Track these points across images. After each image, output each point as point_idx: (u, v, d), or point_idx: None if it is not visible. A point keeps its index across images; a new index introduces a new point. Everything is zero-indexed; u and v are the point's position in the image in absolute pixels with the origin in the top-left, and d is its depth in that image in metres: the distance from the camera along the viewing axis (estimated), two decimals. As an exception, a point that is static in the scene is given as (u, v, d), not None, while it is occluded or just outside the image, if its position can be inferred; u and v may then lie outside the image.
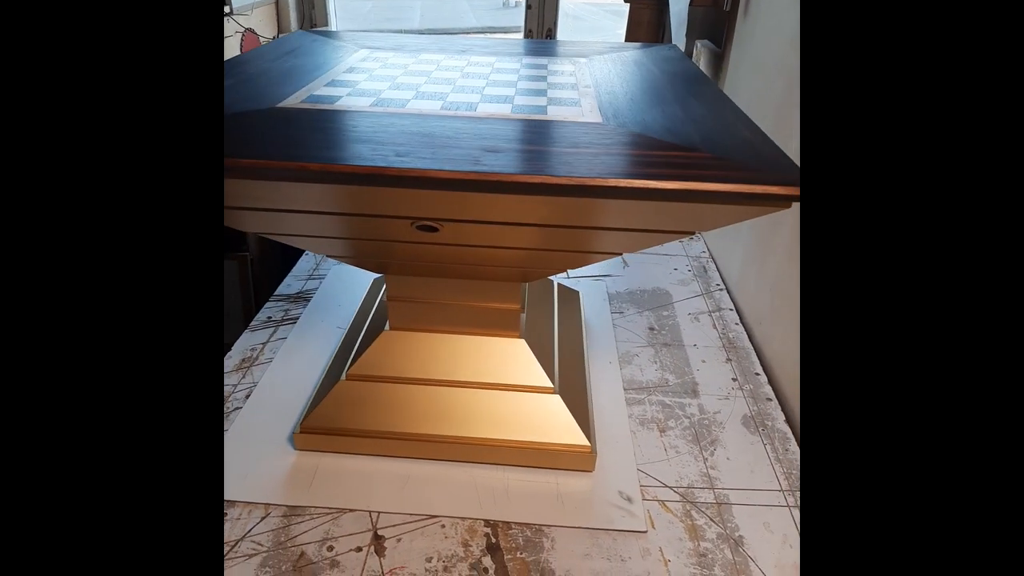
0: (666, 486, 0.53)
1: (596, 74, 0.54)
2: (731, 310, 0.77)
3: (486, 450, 0.53)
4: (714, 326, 0.74)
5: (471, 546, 0.48)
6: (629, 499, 0.52)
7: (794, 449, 0.58)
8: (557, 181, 0.31)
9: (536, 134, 0.38)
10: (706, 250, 0.90)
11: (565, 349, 0.61)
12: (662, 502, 0.52)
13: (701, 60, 0.99)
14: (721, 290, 0.81)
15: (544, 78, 0.52)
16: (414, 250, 0.44)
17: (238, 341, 0.68)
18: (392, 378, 0.55)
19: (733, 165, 0.33)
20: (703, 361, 0.68)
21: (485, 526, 0.49)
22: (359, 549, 0.47)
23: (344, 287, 0.77)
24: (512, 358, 0.55)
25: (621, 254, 0.44)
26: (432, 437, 0.53)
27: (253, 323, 0.71)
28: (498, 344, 0.55)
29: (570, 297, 0.71)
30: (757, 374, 0.67)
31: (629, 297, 0.79)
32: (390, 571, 0.46)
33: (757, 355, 0.70)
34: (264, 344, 0.68)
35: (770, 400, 0.63)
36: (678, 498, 0.52)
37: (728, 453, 0.57)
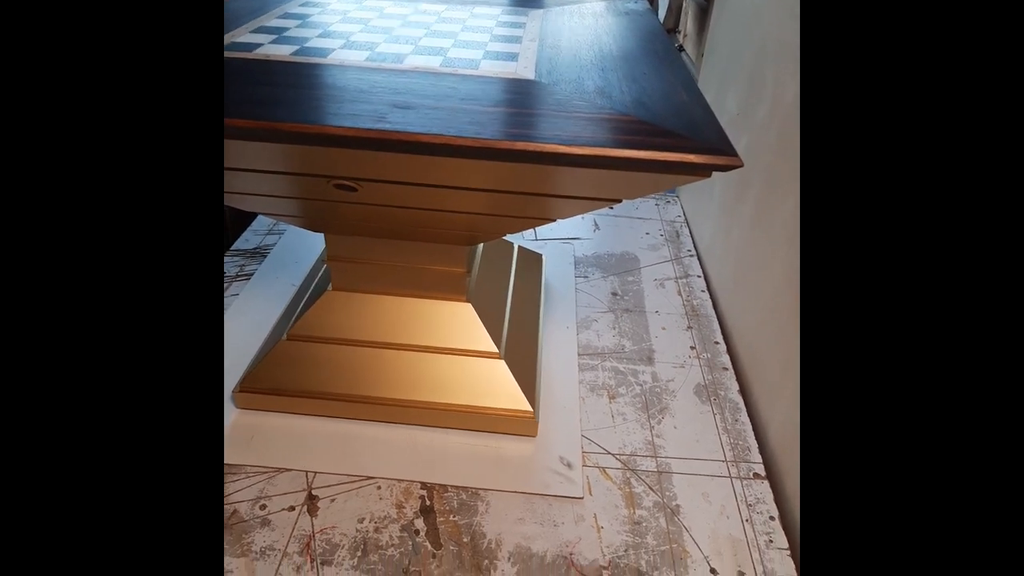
0: (609, 453, 0.53)
1: (548, 27, 0.51)
2: (699, 276, 0.76)
3: (428, 413, 0.53)
4: (679, 292, 0.73)
5: (405, 508, 0.48)
6: (569, 465, 0.51)
7: (744, 420, 0.57)
8: (460, 142, 0.30)
9: (457, 90, 0.36)
10: (682, 214, 0.88)
11: (518, 313, 0.60)
12: (603, 469, 0.52)
13: (688, 15, 0.95)
14: (692, 256, 0.79)
15: (489, 30, 0.49)
16: (340, 210, 0.42)
17: (192, 297, 0.68)
18: (334, 339, 0.54)
19: (657, 131, 0.31)
20: (663, 328, 0.67)
21: (421, 488, 0.49)
22: (292, 508, 0.47)
23: (303, 243, 0.76)
24: (457, 322, 0.54)
25: (553, 219, 0.42)
26: (373, 399, 0.53)
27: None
28: (443, 307, 0.54)
29: (531, 260, 0.70)
30: (716, 343, 0.66)
31: (596, 261, 0.78)
32: (321, 531, 0.46)
33: (719, 323, 0.68)
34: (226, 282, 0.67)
35: (726, 370, 0.62)
36: (619, 465, 0.52)
37: (676, 422, 0.56)
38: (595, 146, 0.29)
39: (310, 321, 0.55)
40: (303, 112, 0.33)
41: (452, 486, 0.49)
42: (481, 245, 0.61)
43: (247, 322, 0.63)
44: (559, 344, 0.64)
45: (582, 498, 0.49)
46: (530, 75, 0.39)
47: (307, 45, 0.43)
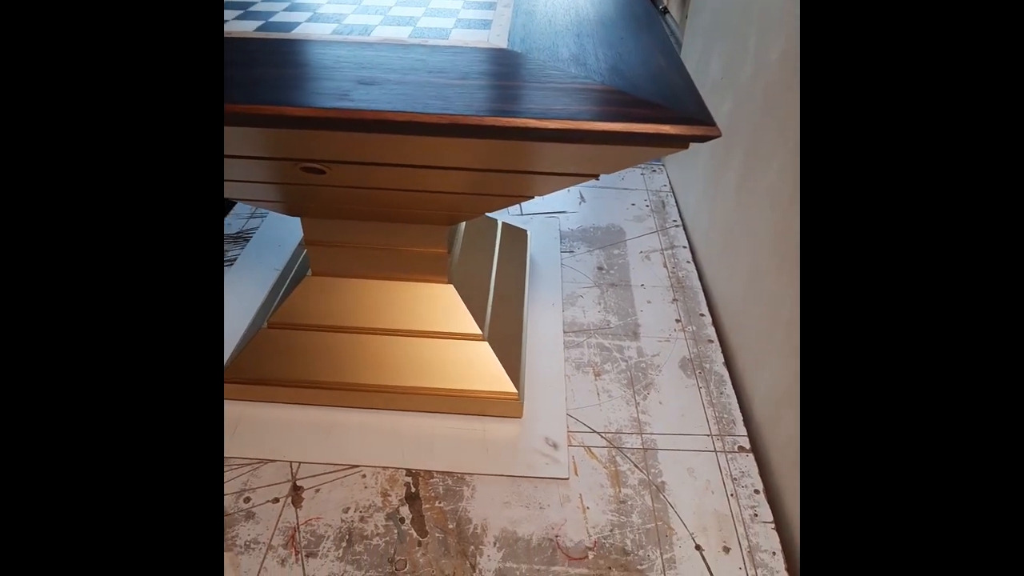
0: (594, 431, 0.53)
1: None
2: (685, 247, 0.75)
3: (412, 399, 0.52)
4: (665, 264, 0.72)
5: (390, 496, 0.47)
6: (555, 446, 0.51)
7: (729, 392, 0.57)
8: (424, 119, 0.28)
9: (426, 63, 0.34)
10: (668, 183, 0.87)
11: (502, 292, 0.59)
12: (588, 448, 0.51)
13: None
14: (677, 226, 0.78)
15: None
16: (311, 193, 0.41)
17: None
18: (314, 326, 0.53)
19: (632, 100, 0.30)
20: (648, 302, 0.67)
21: (407, 475, 0.49)
22: (276, 500, 0.47)
23: (286, 226, 0.74)
24: (440, 304, 0.53)
25: (532, 196, 0.41)
26: (356, 386, 0.52)
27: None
28: (425, 289, 0.53)
29: (516, 237, 0.69)
30: (702, 315, 0.65)
31: (582, 235, 0.76)
32: (305, 522, 0.45)
33: (705, 295, 0.68)
34: (194, 288, 0.66)
35: (711, 342, 0.62)
36: (605, 444, 0.52)
37: (661, 397, 0.56)
38: (566, 119, 0.28)
39: (290, 308, 0.53)
40: (262, 93, 0.31)
41: (437, 472, 0.49)
42: (463, 224, 0.60)
43: (229, 309, 0.62)
44: (544, 322, 0.63)
45: (568, 479, 0.49)
46: (502, 43, 0.37)
47: (272, 20, 0.41)
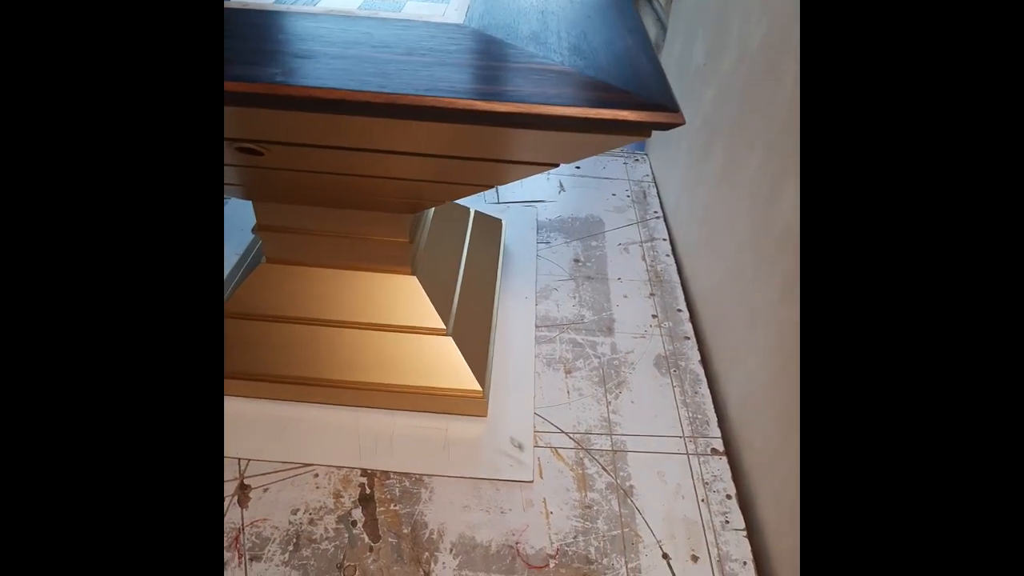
0: (562, 432, 0.50)
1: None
2: (664, 240, 0.72)
3: (372, 395, 0.50)
4: (643, 257, 0.70)
5: (343, 497, 0.45)
6: (520, 446, 0.49)
7: (704, 392, 0.55)
8: (358, 96, 0.25)
9: (371, 36, 0.31)
10: (650, 173, 0.84)
11: (471, 285, 0.56)
12: (555, 449, 0.49)
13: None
14: (658, 218, 0.76)
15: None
16: (258, 176, 0.38)
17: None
18: (268, 316, 0.50)
19: (591, 83, 0.27)
20: (625, 296, 0.64)
21: (361, 476, 0.46)
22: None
23: (248, 209, 0.71)
24: (402, 297, 0.50)
25: (491, 185, 0.38)
26: (313, 380, 0.49)
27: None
28: (387, 281, 0.50)
29: (489, 226, 0.66)
30: (679, 310, 0.63)
31: (560, 225, 0.74)
32: (251, 523, 0.43)
33: (683, 289, 0.65)
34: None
35: (688, 339, 0.60)
36: (573, 445, 0.50)
37: (634, 396, 0.54)
38: (516, 102, 0.25)
39: (242, 297, 0.51)
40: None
41: (395, 472, 0.47)
42: (431, 212, 0.57)
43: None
44: (516, 316, 0.60)
45: (532, 482, 0.47)
46: (459, 19, 0.34)
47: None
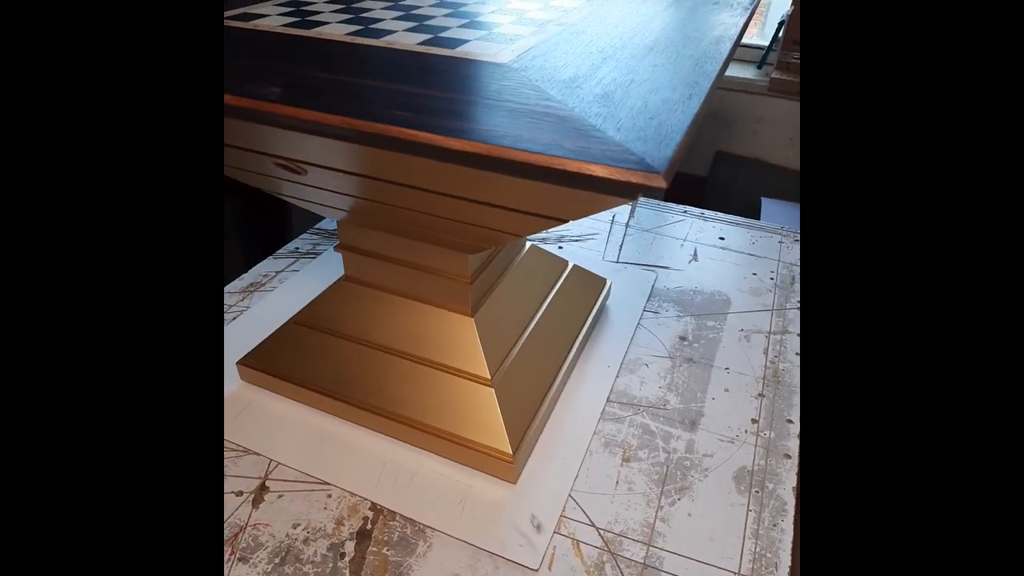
0: (593, 525, 0.44)
1: (596, 13, 0.43)
2: (798, 335, 0.61)
3: (406, 430, 0.48)
4: (766, 351, 0.60)
5: (343, 525, 0.44)
6: (539, 527, 0.44)
7: (786, 527, 0.44)
8: (322, 118, 0.24)
9: (398, 69, 0.31)
10: (808, 258, 0.73)
11: (539, 340, 0.53)
12: (577, 542, 0.43)
13: None
14: (798, 310, 0.65)
15: (523, 12, 0.43)
16: (306, 193, 0.39)
17: (257, 266, 0.70)
18: (333, 331, 0.52)
19: (583, 133, 0.23)
20: (725, 390, 0.55)
21: (369, 508, 0.45)
22: (240, 494, 0.46)
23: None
24: (456, 336, 0.49)
25: (510, 232, 0.35)
26: (356, 402, 0.50)
27: (279, 251, 0.73)
28: (445, 318, 0.49)
29: (588, 284, 0.62)
30: (789, 421, 0.52)
31: (678, 296, 0.67)
32: (254, 525, 0.44)
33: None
34: (277, 273, 0.69)
35: (788, 458, 0.49)
36: (599, 543, 0.43)
37: (694, 508, 0.45)
38: (460, 138, 0.22)
39: (317, 308, 0.53)
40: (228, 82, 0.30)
41: (401, 515, 0.44)
42: (517, 256, 0.55)
43: (292, 299, 0.64)
44: (589, 384, 0.55)
45: (536, 571, 0.41)
46: (506, 59, 0.32)
47: (307, 19, 0.41)
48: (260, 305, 0.64)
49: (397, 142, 0.24)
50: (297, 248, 0.74)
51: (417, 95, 0.27)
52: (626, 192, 0.21)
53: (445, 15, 0.42)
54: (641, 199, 0.85)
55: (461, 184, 0.28)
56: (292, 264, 0.71)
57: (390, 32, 0.38)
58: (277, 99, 0.26)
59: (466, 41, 0.36)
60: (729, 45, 0.34)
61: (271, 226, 1.35)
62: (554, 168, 0.21)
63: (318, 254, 0.72)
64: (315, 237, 0.76)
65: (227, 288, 0.67)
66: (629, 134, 0.23)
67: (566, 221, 0.29)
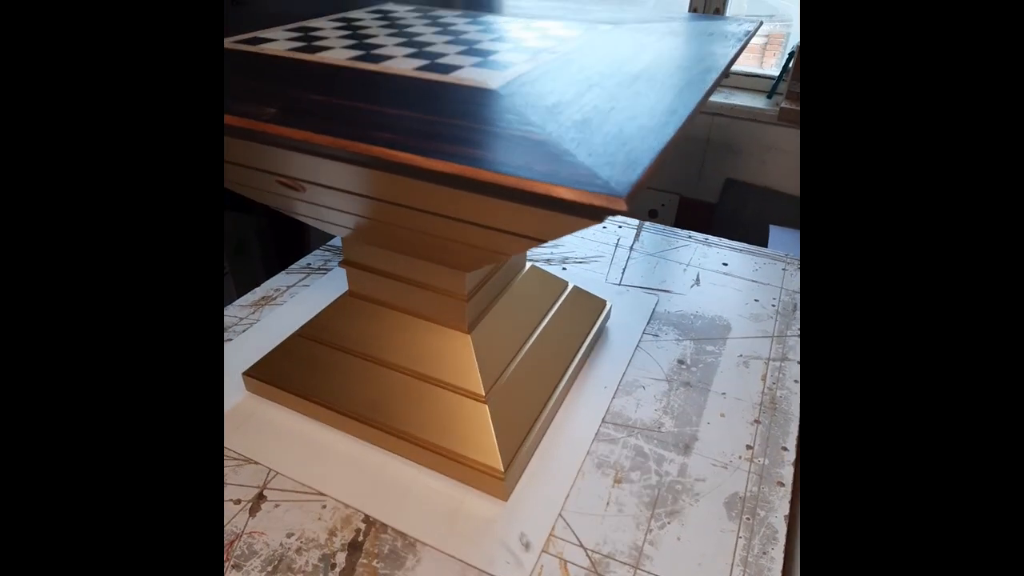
0: (581, 546, 0.44)
1: (592, 42, 0.45)
2: (798, 363, 0.61)
3: (401, 444, 0.49)
4: (764, 377, 0.60)
5: (336, 536, 0.45)
6: (527, 545, 0.44)
7: (775, 555, 0.44)
8: (294, 134, 0.26)
9: (391, 93, 0.32)
10: (813, 285, 0.73)
11: (535, 359, 0.54)
12: (564, 562, 0.43)
13: None
14: (799, 337, 0.65)
15: (520, 41, 0.45)
16: (317, 212, 0.41)
17: (270, 280, 0.73)
18: (335, 344, 0.53)
19: (554, 156, 0.24)
20: (721, 415, 0.55)
21: (362, 521, 0.46)
22: (238, 502, 0.47)
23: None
24: (452, 353, 0.50)
25: (505, 254, 0.36)
26: (355, 415, 0.51)
27: (292, 267, 0.75)
28: (443, 335, 0.50)
29: (587, 305, 0.63)
30: (784, 448, 0.52)
31: (678, 320, 0.67)
32: (249, 533, 0.45)
33: (799, 426, 0.54)
34: (289, 288, 0.71)
35: (781, 486, 0.49)
36: (587, 564, 0.43)
37: (683, 532, 0.45)
38: (449, 160, 0.23)
39: (320, 322, 0.55)
40: (230, 102, 0.32)
41: (393, 528, 0.45)
42: (518, 276, 0.56)
43: (300, 313, 0.66)
44: (584, 405, 0.56)
45: (522, 588, 0.41)
46: (493, 84, 0.34)
47: (313, 44, 0.43)
48: (270, 318, 0.66)
49: (379, 161, 0.25)
50: (309, 264, 0.76)
51: (404, 118, 0.29)
52: (590, 214, 0.22)
53: (445, 42, 0.44)
54: (647, 224, 0.86)
55: (441, 203, 0.29)
56: (303, 279, 0.73)
57: (389, 58, 0.40)
58: (271, 119, 0.28)
59: (460, 68, 0.37)
60: (715, 76, 0.35)
61: (290, 242, 1.38)
62: (523, 189, 0.22)
63: (328, 270, 0.74)
64: (327, 253, 0.78)
65: (239, 301, 0.69)
66: (600, 159, 0.24)
67: (544, 241, 0.30)
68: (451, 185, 0.24)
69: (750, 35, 0.47)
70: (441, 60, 0.39)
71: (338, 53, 0.41)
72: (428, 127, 0.28)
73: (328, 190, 0.35)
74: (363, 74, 0.36)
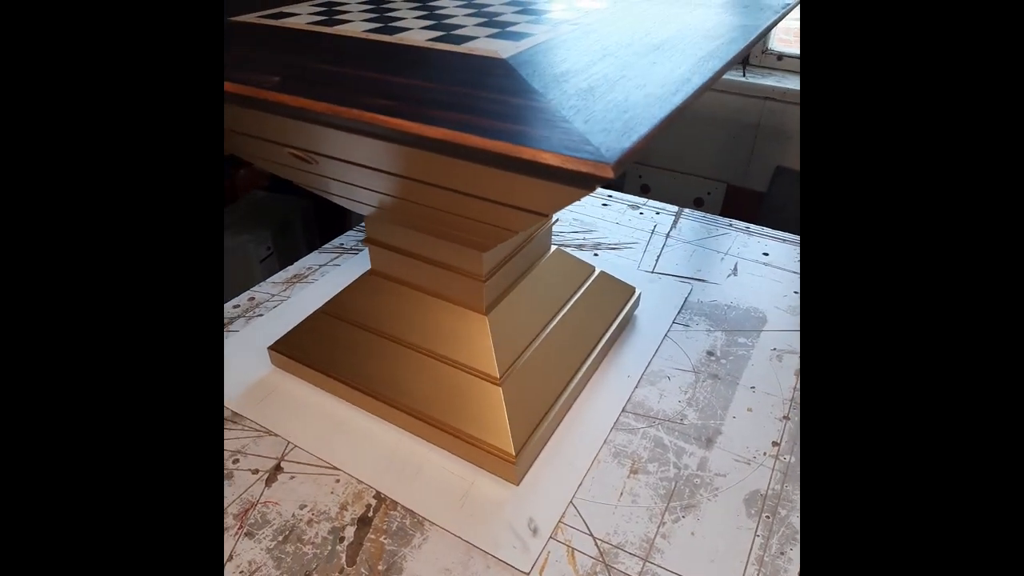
0: (590, 534, 0.43)
1: (618, 13, 0.43)
2: (836, 359, 0.58)
3: (416, 423, 0.49)
4: (797, 372, 0.57)
5: (346, 511, 0.45)
6: (535, 531, 0.43)
7: (793, 556, 0.42)
8: (291, 101, 0.26)
9: (398, 63, 0.32)
10: (860, 279, 0.69)
11: (555, 344, 0.53)
12: (572, 550, 0.42)
13: None
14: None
15: (545, 12, 0.43)
16: (332, 186, 0.41)
17: (303, 259, 0.74)
18: (356, 322, 0.54)
19: (550, 123, 0.23)
20: (748, 410, 0.53)
21: (374, 496, 0.46)
22: (255, 472, 0.48)
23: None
24: (468, 334, 0.49)
25: (511, 231, 0.35)
26: (373, 392, 0.51)
27: (325, 246, 0.76)
28: (460, 315, 0.50)
29: (615, 292, 0.61)
30: (814, 447, 0.49)
31: (711, 310, 0.65)
32: (264, 502, 0.46)
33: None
34: (321, 266, 0.72)
35: (808, 485, 0.46)
36: (595, 553, 0.42)
37: (699, 527, 0.44)
38: (423, 123, 0.23)
39: (343, 299, 0.55)
40: (232, 71, 0.32)
41: (402, 506, 0.45)
42: (541, 259, 0.55)
43: (328, 290, 0.66)
44: (606, 393, 0.54)
45: (528, 574, 0.41)
46: (503, 54, 0.33)
47: (335, 17, 0.43)
48: (300, 295, 0.67)
49: (373, 128, 0.25)
50: (342, 244, 0.77)
51: (406, 86, 0.28)
52: (576, 181, 0.21)
53: (466, 15, 0.43)
54: (687, 211, 0.83)
55: (439, 173, 0.28)
56: (335, 259, 0.74)
57: (406, 29, 0.39)
58: (272, 87, 0.28)
59: (475, 39, 0.36)
60: (740, 46, 0.33)
61: (331, 223, 1.41)
62: (509, 155, 0.22)
63: (360, 250, 0.75)
64: (360, 234, 0.79)
65: (272, 279, 0.70)
66: (595, 125, 0.23)
67: (544, 214, 0.29)
68: (442, 152, 0.23)
69: (789, 7, 0.44)
70: (457, 32, 0.38)
71: (356, 26, 0.40)
72: (426, 95, 0.27)
73: (333, 161, 0.34)
74: (375, 44, 0.36)
